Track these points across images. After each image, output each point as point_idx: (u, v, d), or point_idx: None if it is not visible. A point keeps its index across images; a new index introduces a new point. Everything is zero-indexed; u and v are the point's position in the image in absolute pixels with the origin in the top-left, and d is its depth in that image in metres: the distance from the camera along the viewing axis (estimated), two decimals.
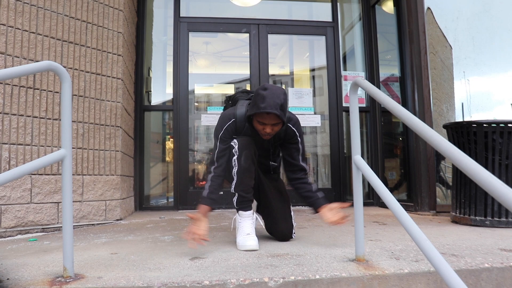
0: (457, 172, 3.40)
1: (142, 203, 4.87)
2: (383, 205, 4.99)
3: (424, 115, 4.23)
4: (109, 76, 3.75)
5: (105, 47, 3.75)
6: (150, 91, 5.39)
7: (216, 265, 1.94)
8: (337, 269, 1.80)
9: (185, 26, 5.15)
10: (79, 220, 3.41)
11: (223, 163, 2.58)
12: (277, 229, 2.64)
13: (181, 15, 5.21)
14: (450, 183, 5.33)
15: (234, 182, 2.53)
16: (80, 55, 3.54)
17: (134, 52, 4.80)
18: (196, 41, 8.07)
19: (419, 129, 1.36)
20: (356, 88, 2.10)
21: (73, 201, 3.38)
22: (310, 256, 2.11)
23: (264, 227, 2.78)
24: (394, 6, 5.41)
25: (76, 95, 3.48)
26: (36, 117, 3.19)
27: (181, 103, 5.04)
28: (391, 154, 5.47)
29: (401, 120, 1.49)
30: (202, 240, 2.29)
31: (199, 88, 6.13)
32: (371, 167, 5.08)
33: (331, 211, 2.61)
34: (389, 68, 5.55)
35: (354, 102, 2.12)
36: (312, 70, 6.05)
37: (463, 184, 3.32)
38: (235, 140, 2.56)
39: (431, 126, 4.20)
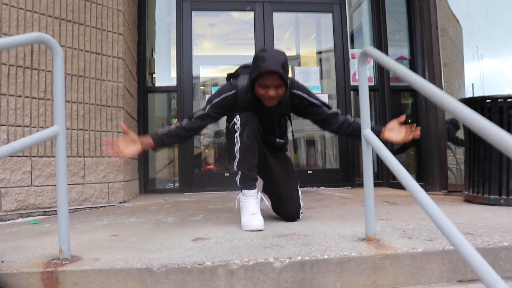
0: (470, 150, 3.28)
1: (147, 186, 4.79)
2: (393, 185, 4.88)
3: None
4: (109, 56, 3.64)
5: (105, 25, 3.63)
6: (154, 73, 5.29)
7: (220, 245, 1.85)
8: (346, 249, 1.70)
9: (188, 5, 5.02)
10: (81, 203, 3.34)
11: (197, 127, 2.50)
12: (284, 208, 2.54)
13: None
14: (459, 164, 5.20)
15: (237, 159, 2.44)
16: (79, 34, 3.43)
17: (136, 32, 4.68)
18: (201, 23, 7.93)
19: (436, 95, 1.24)
20: (365, 58, 1.98)
21: (75, 184, 3.31)
22: (318, 235, 2.01)
23: (270, 207, 2.68)
24: None
25: (76, 75, 3.38)
26: (35, 98, 3.10)
27: (185, 84, 4.92)
28: None
29: (415, 88, 1.37)
30: (118, 155, 2.28)
31: (204, 71, 6.03)
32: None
33: (392, 131, 2.41)
34: (398, 48, 5.39)
35: (363, 73, 2.00)
36: (320, 51, 5.90)
37: (476, 162, 3.20)
38: (237, 116, 2.46)
39: None
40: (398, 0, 5.34)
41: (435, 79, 4.10)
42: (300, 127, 5.99)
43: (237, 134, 2.41)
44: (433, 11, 4.14)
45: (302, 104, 2.62)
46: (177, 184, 4.93)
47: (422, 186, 3.82)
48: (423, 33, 4.24)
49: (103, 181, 3.50)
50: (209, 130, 5.63)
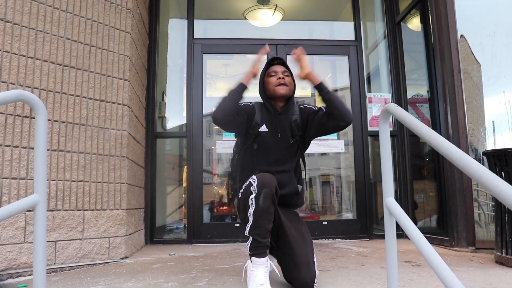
0: (501, 205, 2.99)
1: (154, 236, 4.55)
2: None
3: (459, 141, 3.84)
4: (114, 103, 3.49)
5: (110, 71, 3.49)
6: (164, 117, 5.14)
7: None
8: None
9: (199, 48, 4.90)
10: (79, 260, 3.11)
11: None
12: (298, 277, 2.27)
13: (194, 37, 4.96)
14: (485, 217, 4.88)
15: (250, 224, 2.22)
16: (82, 81, 3.29)
17: (145, 76, 4.56)
18: (214, 63, 7.85)
19: (462, 161, 1.02)
20: (387, 116, 1.76)
21: (73, 239, 3.09)
22: None
23: (277, 272, 2.42)
24: (421, 23, 5.07)
25: (77, 124, 3.21)
26: (32, 148, 2.93)
27: (195, 128, 4.75)
28: (421, 182, 5.07)
29: (439, 150, 1.16)
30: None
31: None
32: (400, 193, 4.71)
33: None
34: (416, 88, 5.18)
35: (385, 133, 1.78)
36: (337, 84, 5.71)
37: (509, 218, 2.91)
38: (254, 177, 2.26)
39: (467, 153, 3.82)
40: (415, 39, 5.17)
41: (458, 126, 3.85)
42: (315, 172, 5.76)
43: (253, 196, 2.21)
44: (454, 55, 3.93)
45: (310, 113, 2.62)
46: (184, 234, 4.68)
47: (446, 241, 3.49)
48: (445, 77, 4.02)
49: (104, 236, 3.28)
50: (218, 176, 5.42)
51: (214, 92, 7.78)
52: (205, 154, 4.90)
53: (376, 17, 5.51)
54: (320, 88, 2.48)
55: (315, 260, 2.36)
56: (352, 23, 5.24)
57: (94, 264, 3.19)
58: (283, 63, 2.63)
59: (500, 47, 4.03)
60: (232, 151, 2.88)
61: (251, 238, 2.23)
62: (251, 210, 2.21)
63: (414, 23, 5.36)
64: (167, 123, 5.32)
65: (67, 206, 3.08)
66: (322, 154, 5.70)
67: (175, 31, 5.36)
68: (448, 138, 3.95)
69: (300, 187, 2.69)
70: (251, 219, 2.21)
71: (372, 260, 3.25)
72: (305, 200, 4.77)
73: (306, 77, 2.52)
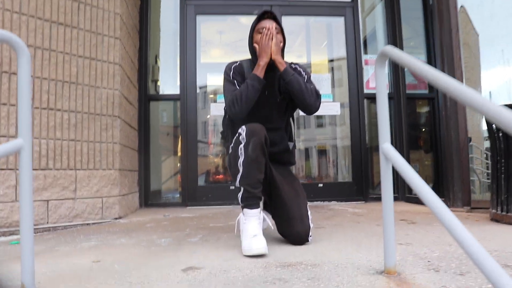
0: (498, 164, 2.97)
1: (148, 199, 4.53)
2: (409, 199, 4.57)
3: (457, 101, 3.78)
4: (105, 61, 3.40)
5: (100, 29, 3.40)
6: (158, 80, 5.05)
7: (213, 278, 1.58)
8: (362, 286, 1.42)
9: (192, 8, 4.78)
10: (72, 220, 3.08)
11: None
12: (292, 230, 2.26)
13: None
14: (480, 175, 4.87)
15: (240, 174, 2.17)
16: (71, 38, 3.19)
17: (137, 37, 4.45)
18: (209, 30, 7.70)
19: (476, 101, 0.97)
20: (384, 59, 1.70)
21: (65, 199, 3.05)
22: (328, 266, 1.73)
23: (273, 228, 2.40)
24: None
25: (67, 82, 3.14)
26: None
27: (189, 92, 4.67)
28: (416, 145, 5.05)
29: (449, 93, 1.09)
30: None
31: (212, 79, 5.77)
32: None
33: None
34: (414, 55, 5.10)
35: (381, 78, 1.72)
36: (331, 59, 5.61)
37: (505, 177, 2.88)
38: (243, 126, 2.20)
39: (465, 113, 3.79)
40: (413, 5, 5.08)
41: None
42: (311, 136, 5.72)
43: (242, 145, 2.16)
44: (453, 14, 3.84)
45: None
46: (180, 197, 4.66)
47: (442, 202, 3.50)
48: (443, 37, 3.95)
49: (97, 196, 3.25)
50: (213, 138, 5.37)
51: (209, 59, 7.67)
52: (201, 116, 4.84)
53: None
54: (282, 76, 2.39)
55: (309, 214, 2.33)
56: None
57: (87, 223, 3.17)
58: (274, 17, 2.50)
59: (500, 5, 3.94)
60: (224, 111, 2.82)
61: (242, 188, 2.18)
62: (241, 160, 2.15)
63: None
64: (161, 86, 5.24)
65: (59, 165, 3.03)
66: (319, 122, 5.66)
67: None
68: (445, 99, 3.91)
69: (291, 144, 2.64)
70: (241, 169, 2.16)
71: (367, 220, 3.23)
72: (298, 161, 4.73)
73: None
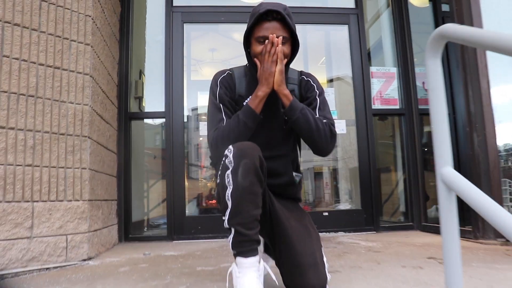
0: None
1: (129, 232, 3.93)
2: (426, 228, 4.01)
3: (483, 115, 3.27)
4: (72, 71, 2.86)
5: (67, 33, 2.87)
6: (142, 97, 4.52)
7: None
8: None
9: (178, 16, 4.27)
10: (26, 264, 2.49)
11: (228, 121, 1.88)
12: (303, 283, 1.68)
13: (174, 4, 4.33)
14: None
15: (228, 210, 1.61)
16: (30, 42, 2.66)
17: (116, 48, 3.92)
18: (200, 48, 7.25)
19: None
20: (441, 44, 1.17)
21: (18, 238, 2.46)
22: None
23: (276, 280, 1.82)
24: None
25: (24, 95, 2.58)
26: None
27: (175, 109, 4.12)
28: (431, 166, 4.52)
29: None
30: None
31: (203, 98, 5.28)
32: (409, 182, 4.15)
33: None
34: (422, 66, 4.64)
35: (435, 74, 1.19)
36: (333, 67, 5.13)
37: None
38: (230, 147, 1.65)
39: (493, 127, 3.28)
40: (418, 18, 4.64)
41: (482, 98, 3.29)
42: (311, 157, 5.21)
43: (229, 171, 1.61)
44: (476, 12, 3.36)
45: (308, 94, 2.04)
46: (165, 229, 4.07)
47: (468, 232, 2.88)
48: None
49: (59, 233, 2.66)
50: (202, 162, 4.83)
51: (200, 77, 7.20)
52: (190, 137, 4.31)
53: None
54: (286, 113, 1.87)
55: (324, 259, 1.78)
56: None
57: (47, 268, 2.57)
58: (282, 19, 1.86)
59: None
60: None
61: (232, 230, 1.62)
62: (229, 190, 1.61)
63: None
64: (147, 104, 4.73)
65: (10, 197, 2.45)
66: None
67: (156, 3, 4.73)
68: (469, 112, 3.39)
69: (298, 176, 2.07)
70: (229, 203, 1.61)
71: (387, 257, 2.68)
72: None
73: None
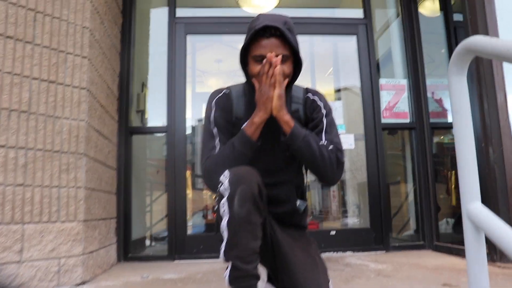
0: None
1: (129, 251, 3.77)
2: (438, 248, 3.82)
3: (500, 129, 3.10)
4: (68, 85, 2.74)
5: (63, 45, 2.75)
6: (144, 111, 4.40)
7: None
8: None
9: (181, 27, 4.14)
10: None
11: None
12: None
13: (177, 15, 4.21)
14: None
15: (224, 242, 1.46)
16: (24, 55, 2.53)
17: (117, 60, 3.81)
18: (205, 58, 7.14)
19: None
20: (467, 59, 1.02)
21: (6, 263, 2.33)
22: None
23: None
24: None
25: (16, 110, 2.46)
26: None
27: (178, 122, 3.98)
28: (443, 185, 4.36)
29: None
30: None
31: None
32: (420, 199, 3.98)
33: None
34: (434, 77, 4.50)
35: (460, 93, 1.04)
36: (341, 80, 4.99)
37: None
38: (225, 172, 1.51)
39: (511, 142, 3.11)
40: (427, 28, 4.50)
41: (498, 112, 3.13)
42: None
43: (225, 199, 1.46)
44: (492, 22, 3.21)
45: (314, 115, 1.88)
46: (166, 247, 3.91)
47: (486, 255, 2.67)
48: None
49: (51, 257, 2.52)
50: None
51: (206, 89, 7.07)
52: (192, 148, 4.16)
53: None
54: (288, 141, 1.71)
55: None
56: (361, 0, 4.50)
57: None
58: (282, 35, 1.70)
59: None
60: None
61: (230, 264, 1.47)
62: (225, 221, 1.46)
63: (427, 7, 4.70)
64: (149, 117, 4.61)
65: None
66: None
67: (159, 14, 4.62)
68: (484, 126, 3.22)
69: (303, 204, 1.89)
70: (225, 234, 1.46)
71: (398, 283, 2.51)
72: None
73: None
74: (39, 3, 2.64)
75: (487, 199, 3.22)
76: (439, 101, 4.27)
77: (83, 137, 2.77)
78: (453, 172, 4.33)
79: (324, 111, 1.87)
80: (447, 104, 4.27)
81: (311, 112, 1.90)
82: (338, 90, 5.20)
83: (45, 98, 2.61)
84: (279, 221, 1.77)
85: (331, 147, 1.72)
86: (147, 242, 4.49)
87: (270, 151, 1.80)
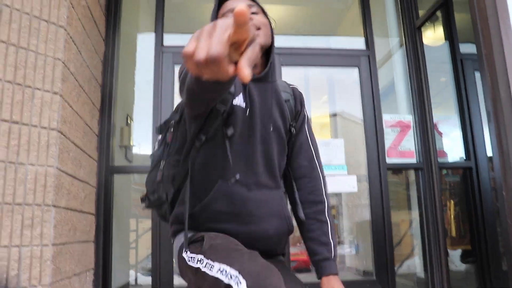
0: None
1: (108, 284, 3.36)
2: None
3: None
4: (34, 126, 2.36)
5: (30, 80, 2.38)
6: (128, 146, 4.04)
7: None
8: None
9: (169, 57, 3.81)
10: None
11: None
12: None
13: (164, 44, 3.88)
14: None
15: None
16: None
17: (98, 93, 3.45)
18: None
19: None
20: None
21: None
22: None
23: None
24: (445, 31, 4.18)
25: None
26: None
27: None
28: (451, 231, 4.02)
29: None
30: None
31: None
32: (429, 247, 3.62)
33: None
34: (440, 111, 4.22)
35: None
36: (339, 115, 4.67)
37: None
38: (236, 275, 1.13)
39: None
40: (434, 49, 4.26)
41: None
42: None
43: None
44: (510, 53, 2.90)
45: (300, 109, 1.75)
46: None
47: None
48: (495, 90, 2.98)
49: None
50: None
51: None
52: None
53: (388, 23, 4.53)
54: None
55: None
56: (362, 28, 4.22)
57: None
58: None
59: None
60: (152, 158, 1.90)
61: None
62: None
63: (430, 36, 4.46)
64: (134, 154, 4.26)
65: None
66: None
67: (146, 41, 4.31)
68: (504, 167, 2.89)
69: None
70: None
71: None
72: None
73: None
74: (1, 31, 2.29)
75: (507, 239, 2.90)
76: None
77: (51, 186, 2.38)
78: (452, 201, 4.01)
79: (306, 114, 1.81)
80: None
81: (301, 105, 1.77)
82: (335, 125, 4.89)
83: (6, 141, 2.23)
84: (264, 252, 1.40)
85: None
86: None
87: (264, 140, 1.55)
